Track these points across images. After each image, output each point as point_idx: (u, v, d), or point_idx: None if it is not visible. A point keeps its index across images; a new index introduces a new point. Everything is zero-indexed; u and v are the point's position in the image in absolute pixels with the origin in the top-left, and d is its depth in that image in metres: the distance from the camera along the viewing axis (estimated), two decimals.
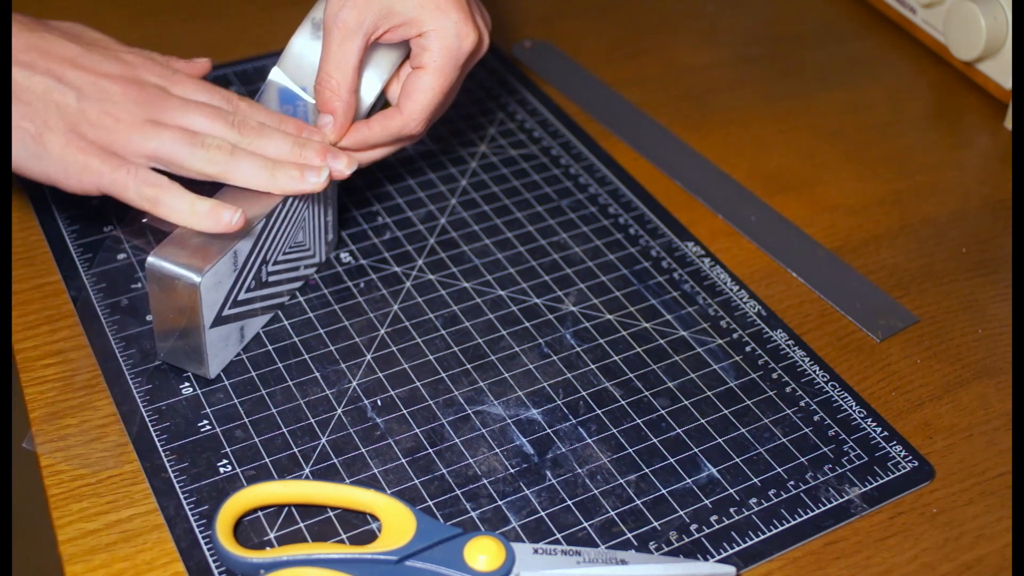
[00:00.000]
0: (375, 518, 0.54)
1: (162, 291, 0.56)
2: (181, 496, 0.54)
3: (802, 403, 0.61)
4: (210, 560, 0.52)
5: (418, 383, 0.61)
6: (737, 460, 0.58)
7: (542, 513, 0.55)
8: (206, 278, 0.56)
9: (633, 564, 0.52)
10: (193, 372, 0.60)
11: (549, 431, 0.59)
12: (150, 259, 0.56)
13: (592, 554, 0.52)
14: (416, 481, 0.56)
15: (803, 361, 0.64)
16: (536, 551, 0.52)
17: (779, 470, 0.58)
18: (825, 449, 0.59)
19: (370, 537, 0.53)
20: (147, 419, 0.58)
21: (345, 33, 0.60)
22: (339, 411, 0.59)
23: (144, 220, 0.58)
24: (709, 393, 0.61)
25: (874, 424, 0.60)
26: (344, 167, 0.60)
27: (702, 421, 0.60)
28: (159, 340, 0.59)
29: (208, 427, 0.57)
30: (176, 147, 0.56)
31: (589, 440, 0.58)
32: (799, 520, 0.56)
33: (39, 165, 0.56)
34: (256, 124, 0.59)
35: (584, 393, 0.61)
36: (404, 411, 0.59)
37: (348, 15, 0.60)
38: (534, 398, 0.60)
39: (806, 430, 0.60)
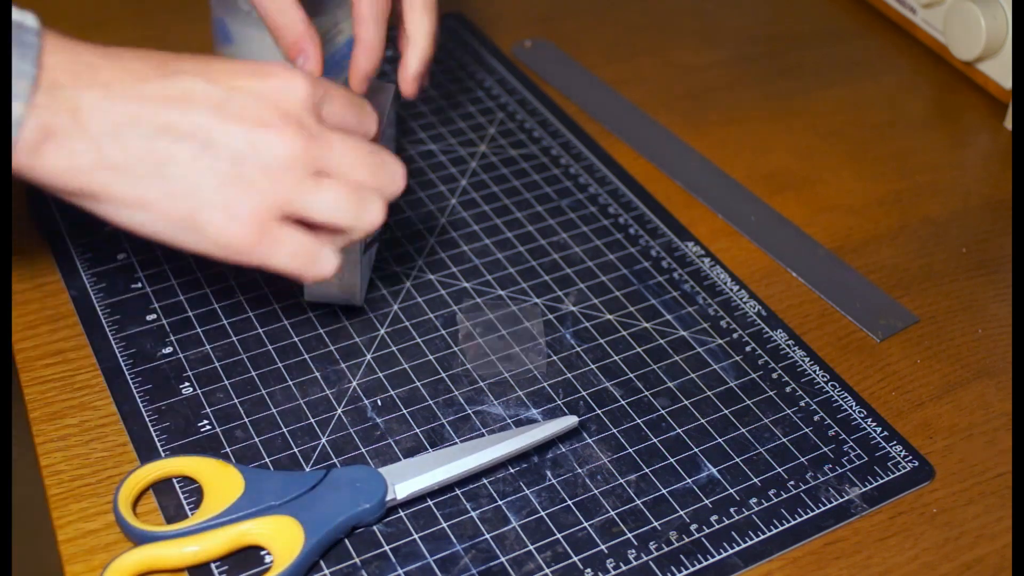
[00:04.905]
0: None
1: None
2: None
3: (802, 403, 0.61)
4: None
5: (418, 383, 0.61)
6: (737, 460, 0.58)
7: (542, 513, 0.55)
8: None
9: (484, 449, 0.56)
10: (343, 304, 0.63)
11: None
12: None
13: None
14: None
15: (803, 361, 0.64)
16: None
17: (779, 470, 0.58)
18: (825, 449, 0.59)
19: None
20: (147, 419, 0.58)
21: None
22: (339, 411, 0.59)
23: None
24: (709, 393, 0.61)
25: (874, 424, 0.60)
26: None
27: (702, 421, 0.60)
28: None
29: (208, 427, 0.57)
30: None
31: (589, 440, 0.58)
32: (799, 520, 0.56)
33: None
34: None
35: (584, 393, 0.61)
36: (404, 411, 0.59)
37: None
38: (534, 398, 0.60)
39: (806, 430, 0.60)
